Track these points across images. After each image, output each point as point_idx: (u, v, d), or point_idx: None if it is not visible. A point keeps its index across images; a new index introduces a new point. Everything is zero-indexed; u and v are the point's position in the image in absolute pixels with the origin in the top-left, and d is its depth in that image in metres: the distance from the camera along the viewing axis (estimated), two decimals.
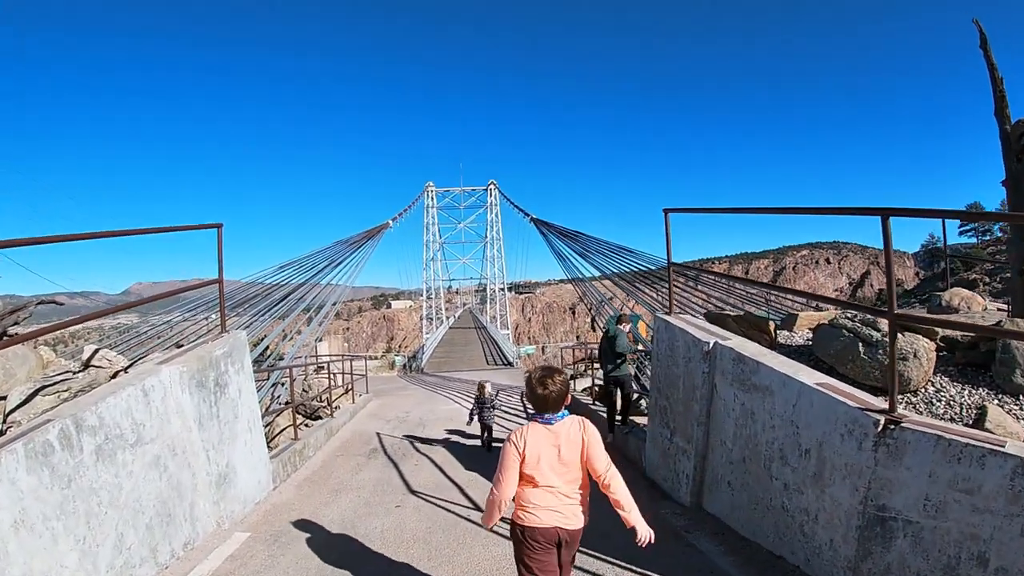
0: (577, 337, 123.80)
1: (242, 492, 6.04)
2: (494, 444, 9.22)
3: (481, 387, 10.07)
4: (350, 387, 15.24)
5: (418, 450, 9.30)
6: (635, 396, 10.33)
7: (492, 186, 71.07)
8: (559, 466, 2.96)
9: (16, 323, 5.92)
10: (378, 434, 10.87)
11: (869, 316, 6.44)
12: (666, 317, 7.02)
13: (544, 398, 2.99)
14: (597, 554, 4.86)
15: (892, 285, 4.16)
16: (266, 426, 9.64)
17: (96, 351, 5.97)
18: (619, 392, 8.95)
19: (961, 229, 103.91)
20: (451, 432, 10.97)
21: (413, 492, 6.87)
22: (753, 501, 5.00)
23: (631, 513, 3.10)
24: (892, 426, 3.59)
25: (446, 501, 6.45)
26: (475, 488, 6.93)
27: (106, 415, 4.15)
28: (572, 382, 17.65)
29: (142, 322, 13.38)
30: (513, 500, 3.04)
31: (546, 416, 3.02)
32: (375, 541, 5.25)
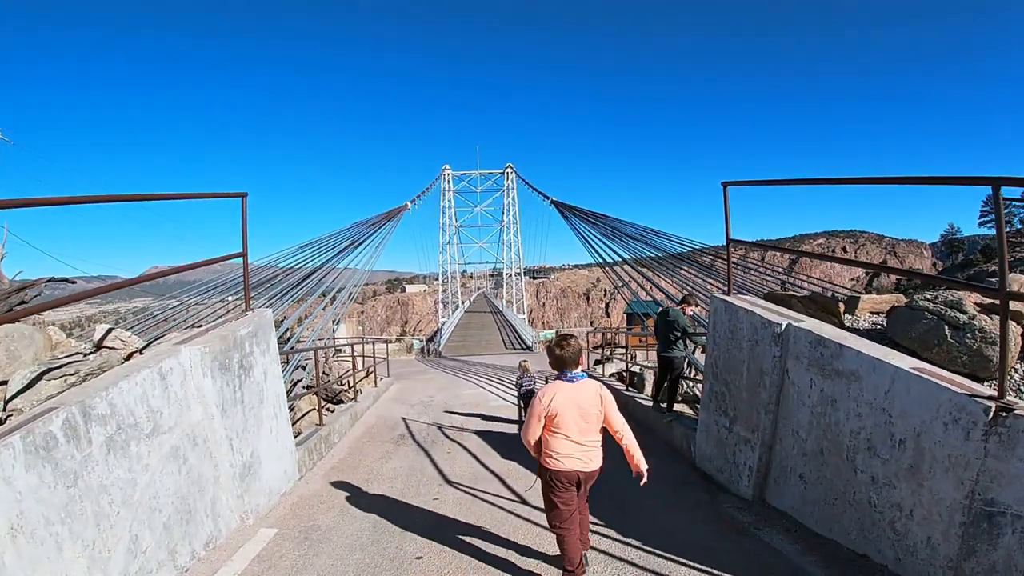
0: (591, 323, 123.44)
1: (267, 483, 5.57)
2: None
3: (524, 367, 9.73)
4: (372, 370, 14.81)
5: (448, 437, 8.81)
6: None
7: (509, 169, 70.29)
8: (579, 419, 3.62)
9: (23, 302, 5.46)
10: (404, 419, 10.41)
11: (952, 298, 5.87)
12: (725, 297, 6.45)
13: (561, 357, 3.70)
14: (668, 555, 4.42)
15: (1005, 261, 3.58)
16: (289, 411, 9.23)
17: (109, 330, 5.50)
18: (666, 375, 8.38)
19: (981, 220, 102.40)
20: (480, 418, 10.48)
21: (450, 483, 6.38)
22: (831, 495, 4.61)
23: (640, 461, 3.83)
24: (1004, 414, 3.27)
25: (487, 493, 5.97)
26: (516, 478, 6.42)
27: (118, 402, 3.66)
28: (598, 367, 17.13)
29: (160, 305, 12.97)
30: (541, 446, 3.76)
31: (568, 374, 3.70)
32: (416, 539, 4.77)
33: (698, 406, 10.73)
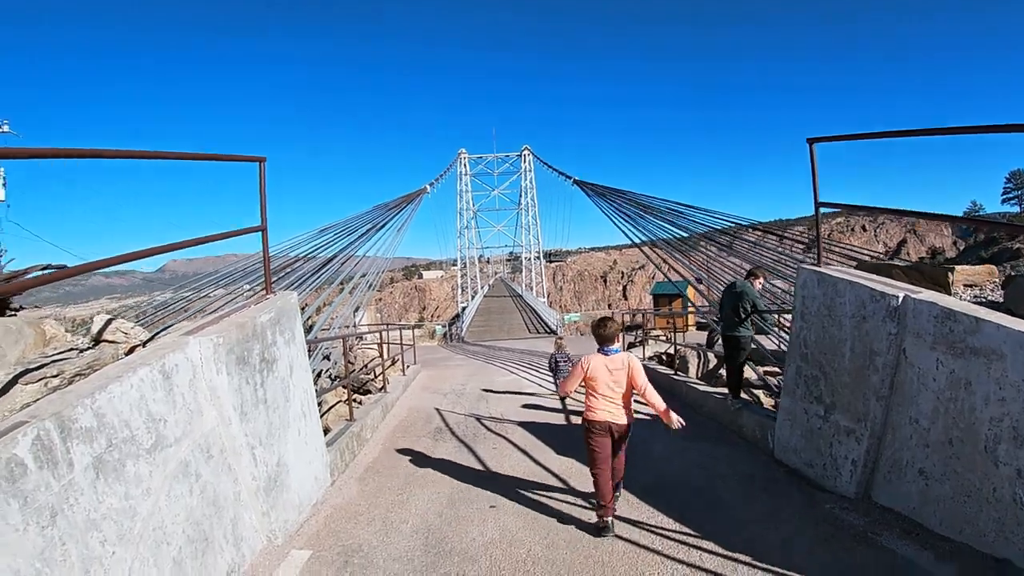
0: (609, 305, 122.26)
1: (296, 495, 4.82)
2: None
3: (559, 344, 10.31)
4: (398, 358, 14.09)
5: (490, 430, 8.03)
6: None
7: (526, 151, 69.18)
8: (611, 382, 4.54)
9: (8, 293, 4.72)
10: (438, 410, 9.65)
11: None
12: (818, 268, 5.58)
13: (603, 335, 4.60)
14: (773, 568, 3.72)
15: None
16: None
17: (109, 321, 4.76)
18: (732, 356, 7.52)
19: (1004, 197, 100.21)
20: (519, 406, 9.71)
21: (504, 485, 5.59)
22: (963, 492, 3.96)
23: (662, 408, 4.68)
24: None
25: (553, 498, 5.19)
26: (580, 479, 5.62)
27: (108, 411, 2.88)
28: (632, 350, 16.29)
29: (178, 297, 12.30)
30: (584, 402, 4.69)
31: (605, 348, 4.60)
32: (480, 561, 4.00)
33: (759, 391, 9.94)
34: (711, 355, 12.92)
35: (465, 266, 71.22)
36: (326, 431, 7.84)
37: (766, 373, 11.95)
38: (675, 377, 10.45)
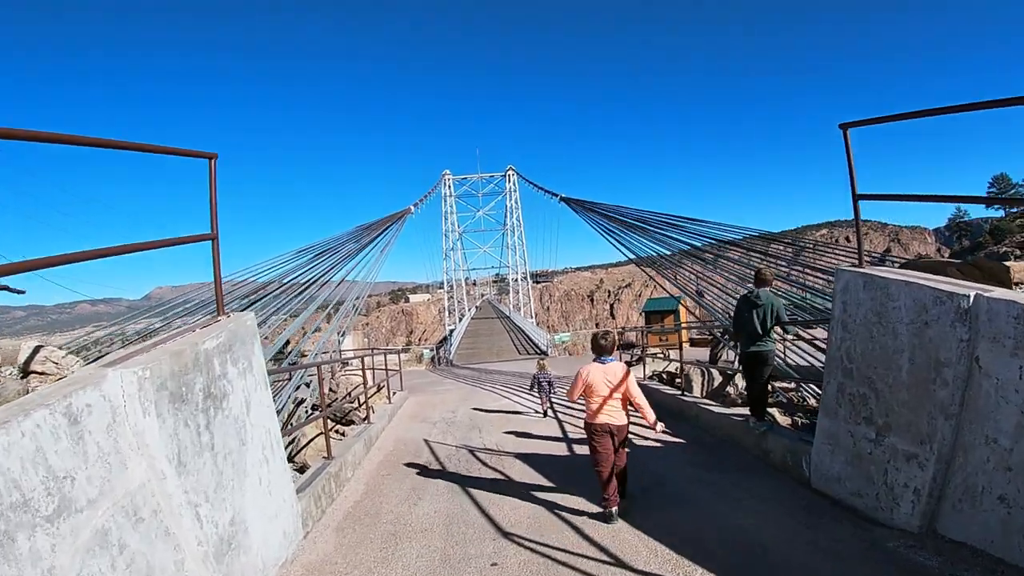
0: (597, 324, 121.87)
1: (259, 556, 3.99)
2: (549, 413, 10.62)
3: (541, 364, 11.48)
4: (383, 384, 13.23)
5: (485, 463, 7.23)
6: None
7: (511, 171, 68.79)
8: (606, 388, 5.04)
9: None
10: (427, 442, 8.83)
11: None
12: (863, 270, 4.90)
13: (602, 346, 5.22)
14: None
15: None
16: (289, 442, 7.64)
17: (38, 349, 3.97)
18: (757, 374, 6.75)
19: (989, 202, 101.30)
20: (515, 435, 8.89)
21: (506, 535, 4.78)
22: None
23: (650, 415, 5.25)
24: None
25: (563, 550, 4.36)
26: (593, 527, 4.84)
27: None
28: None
29: (152, 326, 11.40)
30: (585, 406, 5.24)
31: (602, 358, 5.21)
32: None
33: (771, 409, 9.20)
34: (715, 372, 12.20)
35: (452, 288, 70.34)
36: (302, 469, 7.02)
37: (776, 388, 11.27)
38: (683, 398, 9.70)
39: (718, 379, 12.45)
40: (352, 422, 10.84)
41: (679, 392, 10.35)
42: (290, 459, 8.67)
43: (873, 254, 11.33)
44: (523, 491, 5.91)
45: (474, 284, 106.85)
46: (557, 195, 34.83)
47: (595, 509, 5.16)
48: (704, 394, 11.01)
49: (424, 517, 5.36)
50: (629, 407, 5.29)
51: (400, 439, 9.24)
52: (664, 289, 14.39)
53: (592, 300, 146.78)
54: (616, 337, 5.51)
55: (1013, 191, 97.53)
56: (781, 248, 11.15)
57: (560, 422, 9.67)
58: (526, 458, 7.34)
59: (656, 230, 15.73)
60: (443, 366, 33.03)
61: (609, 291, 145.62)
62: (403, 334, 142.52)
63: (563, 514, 5.20)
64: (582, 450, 7.16)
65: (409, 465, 7.47)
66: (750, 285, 7.14)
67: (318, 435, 8.97)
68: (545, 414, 10.53)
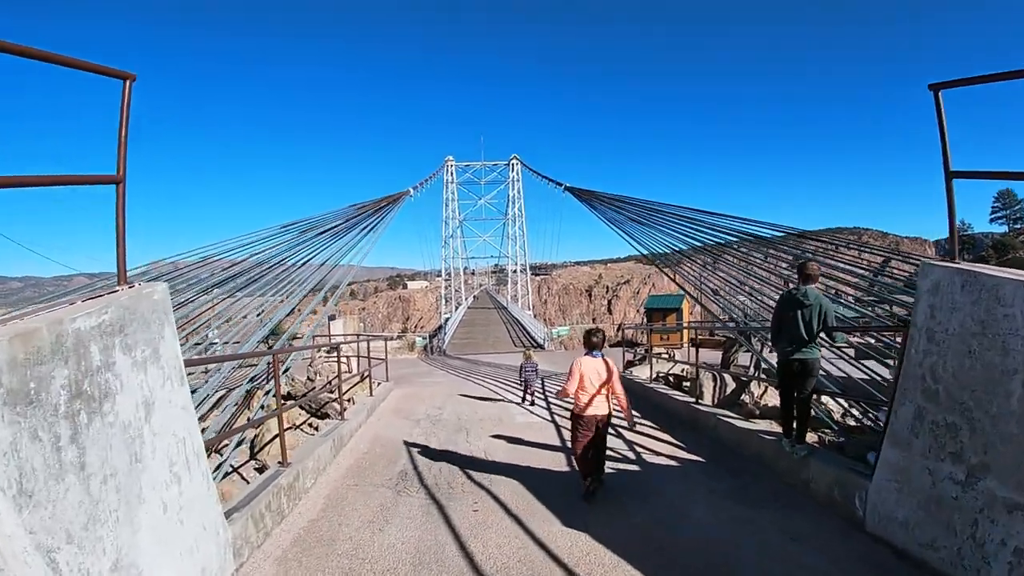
0: (593, 319, 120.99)
1: None
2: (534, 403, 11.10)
3: (527, 355, 12.13)
4: (367, 374, 12.19)
5: (471, 477, 6.18)
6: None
7: (515, 160, 67.57)
8: (596, 379, 5.43)
9: None
10: (407, 444, 7.79)
11: None
12: (959, 265, 3.84)
13: (593, 342, 5.65)
14: None
15: None
16: (243, 441, 6.61)
17: None
18: (799, 386, 5.68)
19: (992, 216, 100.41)
20: (506, 441, 7.85)
21: None
22: None
23: (625, 406, 5.74)
24: None
25: None
26: (601, 571, 3.81)
27: None
28: (632, 370, 14.54)
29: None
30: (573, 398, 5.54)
31: (593, 352, 5.59)
32: None
33: (836, 436, 8.19)
34: (727, 377, 11.18)
35: (450, 277, 69.28)
36: (261, 469, 5.98)
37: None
38: (698, 407, 8.65)
39: (731, 385, 11.42)
40: (328, 416, 9.84)
41: (692, 399, 9.30)
42: (253, 456, 7.67)
43: (873, 264, 10.29)
44: (514, 521, 4.85)
45: (473, 274, 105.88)
46: (562, 184, 33.77)
47: (605, 552, 4.13)
48: (716, 402, 9.98)
49: (389, 549, 4.32)
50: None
51: (377, 439, 8.19)
52: (678, 285, 13.21)
53: (590, 295, 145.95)
54: (604, 334, 5.93)
55: (1018, 207, 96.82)
56: (815, 247, 10.05)
57: (557, 426, 8.63)
58: (518, 472, 6.30)
59: (670, 222, 14.67)
60: (436, 355, 32.00)
61: (608, 287, 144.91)
62: (399, 320, 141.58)
63: (555, 552, 4.16)
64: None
65: (382, 474, 6.43)
66: (775, 284, 6.09)
67: (286, 429, 7.99)
68: (523, 400, 11.30)
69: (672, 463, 6.59)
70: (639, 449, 7.18)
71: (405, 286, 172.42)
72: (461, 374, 17.96)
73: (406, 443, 7.89)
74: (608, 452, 6.00)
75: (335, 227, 16.44)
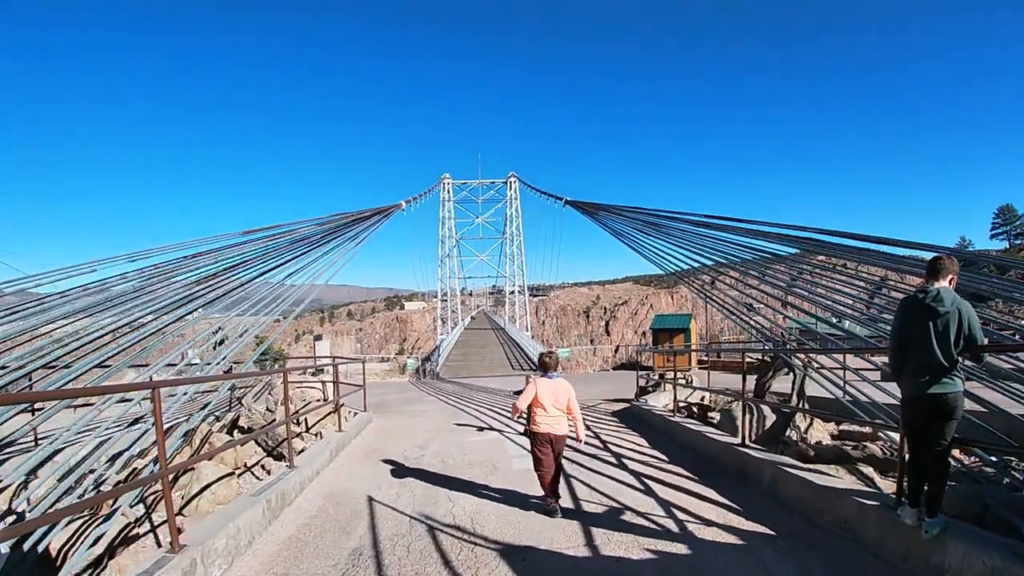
0: (591, 340, 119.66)
1: None
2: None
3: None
4: (339, 404, 10.34)
5: (448, 562, 4.34)
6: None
7: (512, 178, 66.04)
8: (552, 400, 5.54)
9: None
10: (371, 503, 5.96)
11: None
12: None
13: (547, 364, 5.77)
14: None
15: None
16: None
17: None
18: (934, 432, 3.83)
19: (992, 232, 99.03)
20: (499, 498, 6.01)
21: None
22: None
23: (581, 431, 5.81)
24: None
25: None
26: None
27: None
28: (646, 398, 12.70)
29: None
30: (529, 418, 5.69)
31: (549, 374, 5.69)
32: None
33: (866, 468, 6.32)
34: (765, 408, 9.35)
35: (447, 297, 67.42)
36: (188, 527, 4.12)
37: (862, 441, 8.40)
38: (746, 451, 6.75)
39: (770, 418, 9.58)
40: (283, 457, 8.02)
41: (736, 440, 7.43)
42: (180, 512, 5.84)
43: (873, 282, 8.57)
44: None
45: (470, 295, 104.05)
46: (562, 199, 32.13)
47: None
48: (752, 438, 8.15)
49: None
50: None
51: (333, 496, 6.31)
52: (714, 303, 11.34)
53: (588, 316, 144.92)
54: (557, 357, 6.01)
55: (1019, 222, 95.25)
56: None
57: (566, 477, 6.77)
58: (514, 559, 4.44)
59: (692, 233, 12.91)
60: (429, 378, 30.03)
61: (605, 308, 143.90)
62: (396, 342, 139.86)
63: None
64: (610, 549, 4.30)
65: (327, 557, 4.58)
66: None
67: (222, 477, 6.18)
68: (525, 433, 8.87)
69: (728, 537, 4.73)
70: (677, 512, 5.33)
71: (403, 307, 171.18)
72: (453, 400, 16.04)
73: (371, 500, 6.04)
74: (638, 514, 5.40)
75: (312, 238, 14.73)
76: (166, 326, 8.33)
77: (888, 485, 6.32)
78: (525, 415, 5.89)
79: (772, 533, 4.78)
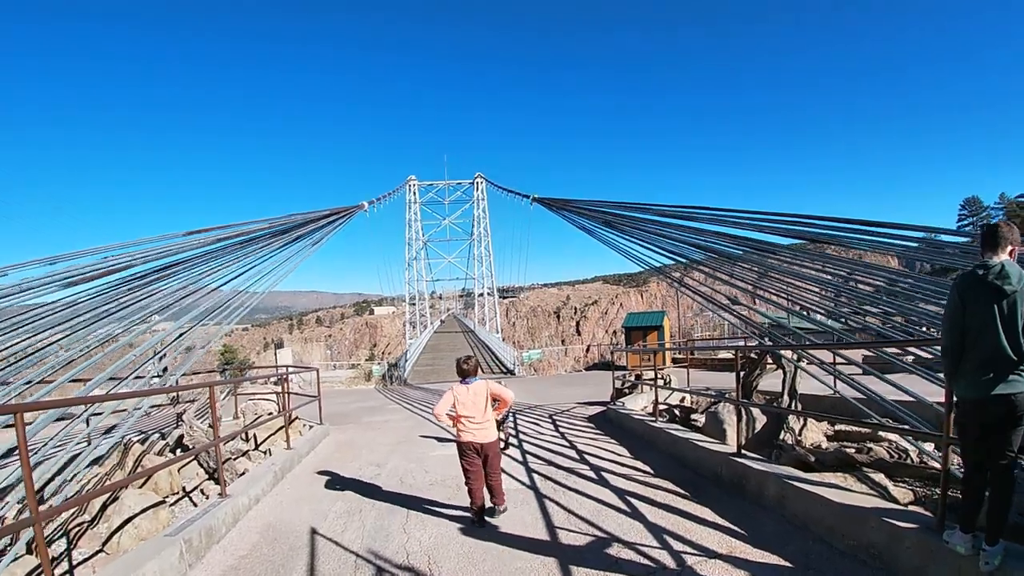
0: (563, 341, 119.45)
1: None
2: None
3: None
4: (288, 417, 9.41)
5: None
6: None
7: (479, 179, 65.19)
8: (472, 406, 5.34)
9: None
10: (313, 536, 5.08)
11: None
12: None
13: (465, 370, 5.52)
14: None
15: None
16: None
17: None
18: (996, 440, 3.10)
19: (959, 224, 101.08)
20: (464, 530, 5.18)
21: None
22: None
23: (502, 409, 6.23)
24: None
25: None
26: None
27: None
28: (623, 401, 11.98)
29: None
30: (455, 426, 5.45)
31: (466, 380, 5.48)
32: None
33: (906, 486, 5.64)
34: (754, 411, 8.66)
35: (415, 300, 66.22)
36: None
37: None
38: (745, 462, 5.95)
39: (760, 420, 8.90)
40: (225, 481, 7.10)
41: (731, 449, 6.68)
42: (101, 550, 4.91)
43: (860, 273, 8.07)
44: None
45: (440, 298, 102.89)
46: (529, 196, 31.38)
47: None
48: (744, 443, 7.41)
49: None
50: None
51: (270, 529, 5.40)
52: (700, 298, 10.61)
53: (558, 316, 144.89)
54: (476, 362, 5.75)
55: (984, 213, 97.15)
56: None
57: (540, 497, 5.96)
58: None
59: (667, 225, 12.21)
60: (395, 385, 29.02)
61: (576, 308, 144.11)
62: (367, 347, 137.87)
63: None
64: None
65: None
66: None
67: (149, 507, 5.28)
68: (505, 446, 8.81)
69: (736, 573, 3.96)
70: (671, 539, 4.55)
71: (372, 312, 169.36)
72: (419, 408, 15.13)
73: (313, 533, 5.16)
74: (626, 545, 4.51)
75: (263, 239, 13.71)
76: (104, 337, 7.34)
77: (902, 494, 5.66)
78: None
79: (788, 565, 4.02)
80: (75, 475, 5.56)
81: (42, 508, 4.01)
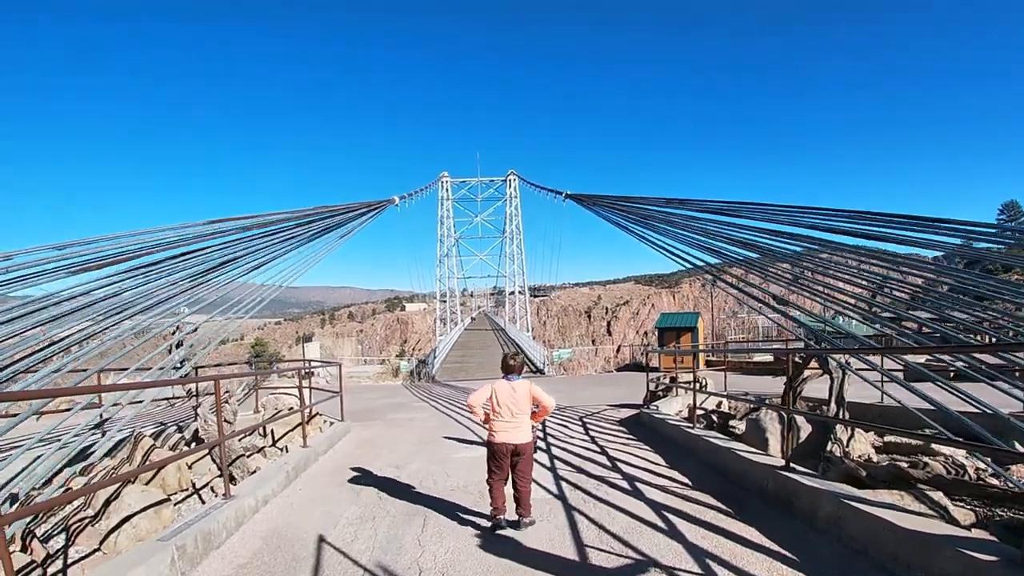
0: (593, 341, 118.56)
1: None
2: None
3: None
4: (311, 413, 9.10)
5: None
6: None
7: (512, 176, 64.78)
8: (512, 405, 5.06)
9: None
10: (321, 545, 4.69)
11: None
12: None
13: (511, 366, 5.28)
14: None
15: None
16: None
17: None
18: None
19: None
20: (485, 547, 4.72)
21: None
22: None
23: (541, 416, 5.35)
24: None
25: None
26: None
27: None
28: (657, 404, 11.43)
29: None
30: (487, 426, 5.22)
31: (510, 376, 5.23)
32: None
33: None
34: (798, 419, 8.06)
35: (446, 297, 66.13)
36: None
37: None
38: (797, 478, 5.39)
39: (805, 429, 8.30)
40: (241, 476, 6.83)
41: (778, 461, 6.10)
42: (97, 549, 4.62)
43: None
44: None
45: (471, 295, 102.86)
46: (562, 192, 30.81)
47: None
48: (789, 452, 6.81)
49: None
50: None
51: (275, 535, 5.03)
52: (741, 297, 9.97)
53: (589, 316, 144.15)
54: (522, 359, 5.64)
55: (1022, 219, 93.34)
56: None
57: (569, 509, 5.48)
58: None
59: (705, 221, 11.58)
60: (423, 381, 28.74)
61: (607, 308, 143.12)
62: (397, 343, 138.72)
63: None
64: None
65: None
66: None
67: (151, 505, 4.96)
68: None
69: None
70: (715, 565, 4.03)
71: (403, 308, 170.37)
72: (445, 406, 14.75)
73: (321, 542, 4.77)
74: (667, 571, 3.97)
75: (292, 231, 13.44)
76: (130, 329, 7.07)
77: (963, 515, 5.07)
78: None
79: None
80: (62, 470, 5.26)
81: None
